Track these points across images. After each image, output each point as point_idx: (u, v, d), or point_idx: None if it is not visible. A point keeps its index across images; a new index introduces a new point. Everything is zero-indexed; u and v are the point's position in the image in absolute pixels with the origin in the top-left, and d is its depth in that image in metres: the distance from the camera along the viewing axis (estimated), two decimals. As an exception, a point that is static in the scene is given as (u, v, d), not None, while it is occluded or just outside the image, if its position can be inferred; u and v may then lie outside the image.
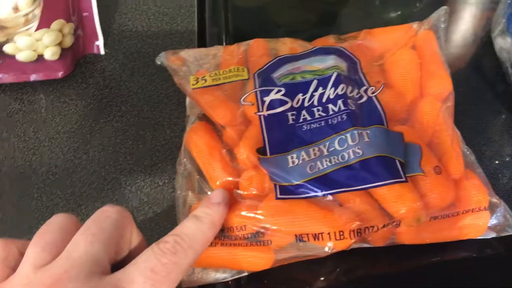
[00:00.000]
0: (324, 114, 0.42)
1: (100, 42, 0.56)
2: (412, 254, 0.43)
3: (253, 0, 0.65)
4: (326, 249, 0.38)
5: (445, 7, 0.49)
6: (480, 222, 0.41)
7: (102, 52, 0.57)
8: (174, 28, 0.59)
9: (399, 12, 0.64)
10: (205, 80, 0.46)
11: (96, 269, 0.30)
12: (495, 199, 0.41)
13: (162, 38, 0.58)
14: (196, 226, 0.35)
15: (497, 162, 0.49)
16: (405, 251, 0.42)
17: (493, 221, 0.41)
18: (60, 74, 0.54)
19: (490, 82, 0.54)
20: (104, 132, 0.51)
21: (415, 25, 0.50)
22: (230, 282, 0.40)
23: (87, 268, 0.30)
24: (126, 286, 0.30)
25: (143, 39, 0.58)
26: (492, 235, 0.42)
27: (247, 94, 0.44)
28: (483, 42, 0.58)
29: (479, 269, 0.43)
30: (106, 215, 0.33)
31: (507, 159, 0.49)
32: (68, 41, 0.54)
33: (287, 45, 0.50)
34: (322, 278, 0.42)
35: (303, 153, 0.40)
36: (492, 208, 0.41)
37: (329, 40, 0.50)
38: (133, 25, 0.59)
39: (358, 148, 0.39)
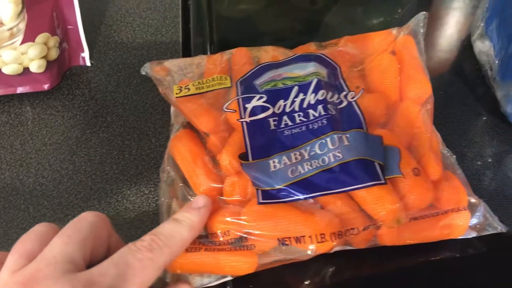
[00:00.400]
0: (305, 119, 0.43)
1: (85, 54, 0.57)
2: (396, 255, 0.43)
3: (238, 10, 0.66)
4: (309, 252, 0.38)
5: (424, 12, 0.50)
6: (460, 222, 0.41)
7: (88, 63, 0.57)
8: (159, 39, 0.60)
9: (381, 19, 0.65)
10: (189, 89, 0.47)
11: (71, 267, 0.31)
12: (474, 199, 0.42)
13: (147, 49, 0.59)
14: (174, 227, 0.36)
15: (478, 163, 0.50)
16: (389, 253, 0.42)
17: (473, 221, 0.42)
18: (46, 87, 0.54)
19: (470, 85, 0.55)
20: (90, 143, 0.52)
21: (394, 30, 0.51)
22: (215, 287, 0.41)
23: (61, 266, 0.31)
24: (98, 279, 0.31)
25: (128, 50, 0.59)
26: (473, 234, 0.42)
27: (230, 101, 0.45)
28: (464, 46, 0.58)
29: (462, 269, 0.43)
30: (82, 219, 0.34)
31: (488, 160, 0.50)
32: (54, 54, 0.54)
33: (269, 53, 0.50)
34: (307, 282, 0.42)
35: (284, 157, 0.40)
36: (472, 208, 0.42)
37: (310, 47, 0.51)
38: (118, 36, 0.60)
39: (338, 152, 0.40)
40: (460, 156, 0.49)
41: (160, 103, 0.54)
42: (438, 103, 0.47)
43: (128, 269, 0.32)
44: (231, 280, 0.41)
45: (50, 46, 0.53)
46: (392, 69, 0.48)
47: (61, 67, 0.56)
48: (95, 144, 0.51)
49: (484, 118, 0.53)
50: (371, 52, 0.50)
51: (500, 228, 0.42)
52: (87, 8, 0.60)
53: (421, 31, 0.49)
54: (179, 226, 0.36)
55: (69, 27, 0.55)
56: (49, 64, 0.54)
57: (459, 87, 0.55)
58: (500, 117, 0.52)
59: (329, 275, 0.42)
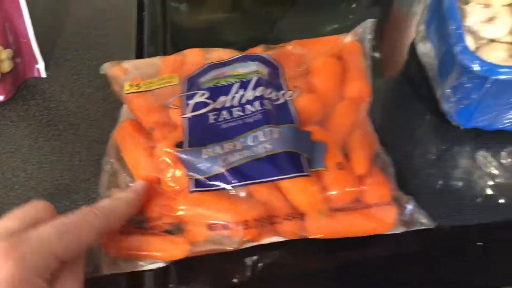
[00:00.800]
0: (242, 114, 0.47)
1: (40, 65, 0.60)
2: (330, 250, 0.46)
3: (193, 20, 0.70)
4: (236, 239, 0.41)
5: (371, 19, 0.54)
6: (386, 217, 0.44)
7: (43, 75, 0.61)
8: (112, 50, 0.63)
9: (336, 26, 0.68)
10: (139, 87, 0.51)
11: (7, 234, 0.35)
12: (403, 196, 0.45)
13: (101, 59, 0.62)
14: (112, 202, 0.42)
15: (421, 161, 0.53)
16: (324, 247, 0.45)
17: (401, 216, 0.44)
18: (1, 98, 0.58)
19: (415, 86, 0.58)
20: (42, 151, 0.55)
21: (343, 36, 0.55)
22: (152, 270, 0.44)
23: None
24: (35, 234, 0.35)
25: (83, 61, 0.62)
26: (402, 230, 0.45)
27: (173, 98, 0.49)
28: (410, 49, 0.62)
29: (392, 264, 0.46)
30: (28, 204, 0.40)
31: (432, 157, 0.53)
32: (7, 66, 0.57)
33: (218, 53, 0.55)
34: (244, 272, 0.45)
35: (217, 147, 0.44)
36: (400, 204, 0.44)
37: (258, 49, 0.55)
38: (74, 48, 0.64)
39: (268, 144, 0.43)
40: (404, 155, 0.52)
41: (112, 111, 0.57)
42: (384, 105, 0.51)
43: (62, 226, 0.36)
44: (171, 264, 0.44)
45: (2, 59, 0.57)
46: (332, 71, 0.52)
47: (15, 79, 0.59)
48: (47, 151, 0.55)
49: (427, 117, 0.56)
50: (317, 55, 0.54)
51: (428, 223, 0.45)
52: (44, 20, 0.64)
53: (368, 37, 0.54)
54: (116, 201, 0.42)
55: (22, 40, 0.59)
56: (3, 76, 0.57)
57: (405, 89, 0.59)
58: (441, 117, 0.55)
59: (264, 266, 0.45)
